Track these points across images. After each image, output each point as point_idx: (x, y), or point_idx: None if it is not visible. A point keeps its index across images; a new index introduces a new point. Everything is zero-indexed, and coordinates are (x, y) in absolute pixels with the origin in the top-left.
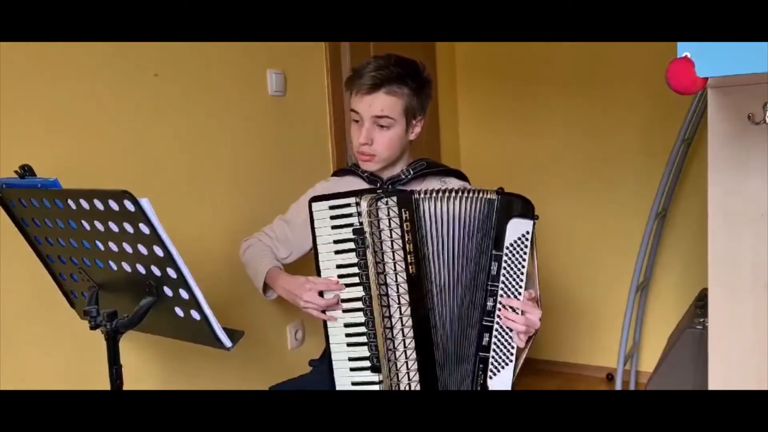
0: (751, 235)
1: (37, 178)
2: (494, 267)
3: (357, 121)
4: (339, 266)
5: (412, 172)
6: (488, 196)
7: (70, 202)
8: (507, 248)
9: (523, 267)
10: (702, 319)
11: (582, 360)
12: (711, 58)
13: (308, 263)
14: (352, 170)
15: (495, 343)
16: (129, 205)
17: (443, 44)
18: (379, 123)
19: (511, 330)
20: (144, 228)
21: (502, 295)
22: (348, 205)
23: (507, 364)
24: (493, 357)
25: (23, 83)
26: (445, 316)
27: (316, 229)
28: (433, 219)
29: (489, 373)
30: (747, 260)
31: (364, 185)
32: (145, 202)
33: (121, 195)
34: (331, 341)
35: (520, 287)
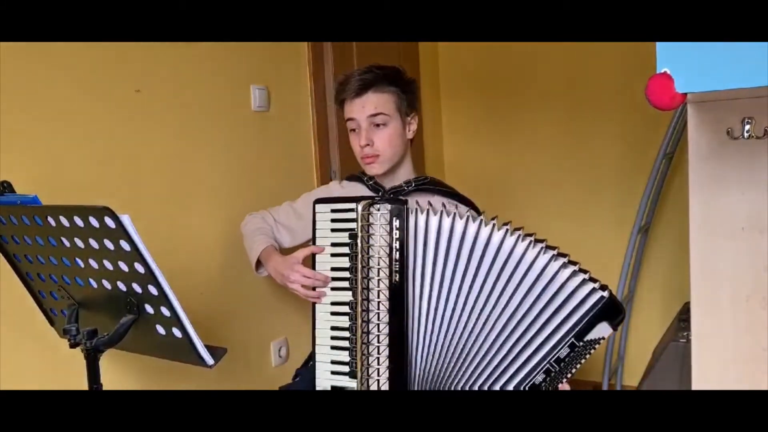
0: (731, 249)
1: (17, 194)
2: (564, 352)
3: (354, 130)
4: (333, 269)
5: (413, 185)
6: (603, 292)
7: (50, 219)
8: (584, 342)
9: (581, 363)
10: (686, 333)
11: None
12: (690, 74)
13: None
14: (360, 177)
15: None
16: (109, 222)
17: (427, 57)
18: (376, 122)
19: None
20: (125, 245)
21: (553, 378)
22: (349, 210)
23: None
24: None
25: (1, 99)
26: (433, 336)
27: (317, 231)
28: (434, 232)
29: None
30: (728, 274)
31: (370, 193)
32: (125, 219)
33: (101, 211)
34: (317, 342)
35: (566, 378)
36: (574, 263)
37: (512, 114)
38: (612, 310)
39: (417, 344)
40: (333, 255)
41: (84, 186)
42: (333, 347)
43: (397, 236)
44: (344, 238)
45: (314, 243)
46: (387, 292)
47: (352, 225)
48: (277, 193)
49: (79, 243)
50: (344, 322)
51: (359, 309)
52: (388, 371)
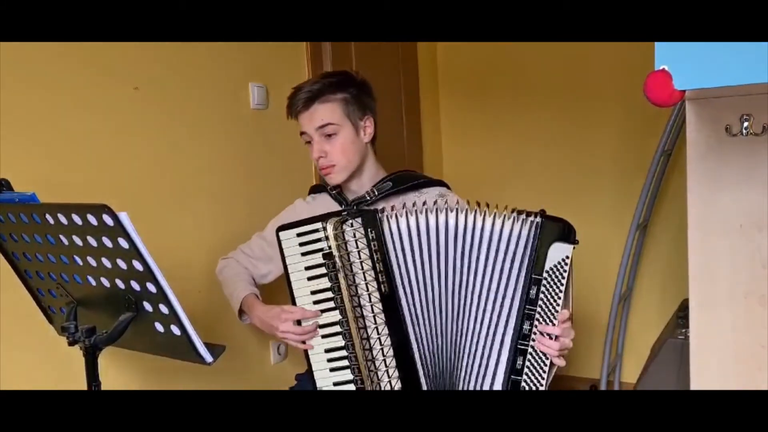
0: (729, 247)
1: (15, 192)
2: (533, 291)
3: (309, 142)
4: (313, 292)
5: (377, 193)
6: (533, 219)
7: (48, 216)
8: (547, 272)
9: (561, 291)
10: (684, 330)
11: (565, 371)
12: (688, 71)
13: (284, 291)
14: (324, 187)
15: (528, 367)
16: (108, 220)
17: (426, 57)
18: (325, 132)
19: (545, 355)
20: (123, 242)
21: (538, 319)
22: (315, 230)
23: (539, 387)
24: (525, 381)
25: (1, 98)
26: (432, 333)
27: (286, 258)
28: (406, 234)
29: None
30: (726, 271)
31: (336, 205)
32: (124, 216)
33: (99, 209)
34: (314, 368)
35: (557, 311)
36: (516, 211)
37: (511, 113)
38: (553, 230)
39: (422, 341)
40: (309, 279)
41: (82, 183)
42: (332, 369)
43: (376, 247)
44: (317, 259)
45: (286, 271)
46: (380, 304)
47: (322, 245)
48: (275, 190)
49: (78, 241)
50: (337, 342)
51: (354, 326)
52: (399, 381)
